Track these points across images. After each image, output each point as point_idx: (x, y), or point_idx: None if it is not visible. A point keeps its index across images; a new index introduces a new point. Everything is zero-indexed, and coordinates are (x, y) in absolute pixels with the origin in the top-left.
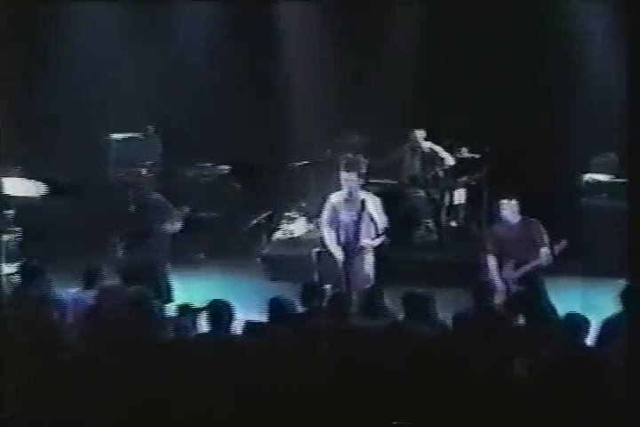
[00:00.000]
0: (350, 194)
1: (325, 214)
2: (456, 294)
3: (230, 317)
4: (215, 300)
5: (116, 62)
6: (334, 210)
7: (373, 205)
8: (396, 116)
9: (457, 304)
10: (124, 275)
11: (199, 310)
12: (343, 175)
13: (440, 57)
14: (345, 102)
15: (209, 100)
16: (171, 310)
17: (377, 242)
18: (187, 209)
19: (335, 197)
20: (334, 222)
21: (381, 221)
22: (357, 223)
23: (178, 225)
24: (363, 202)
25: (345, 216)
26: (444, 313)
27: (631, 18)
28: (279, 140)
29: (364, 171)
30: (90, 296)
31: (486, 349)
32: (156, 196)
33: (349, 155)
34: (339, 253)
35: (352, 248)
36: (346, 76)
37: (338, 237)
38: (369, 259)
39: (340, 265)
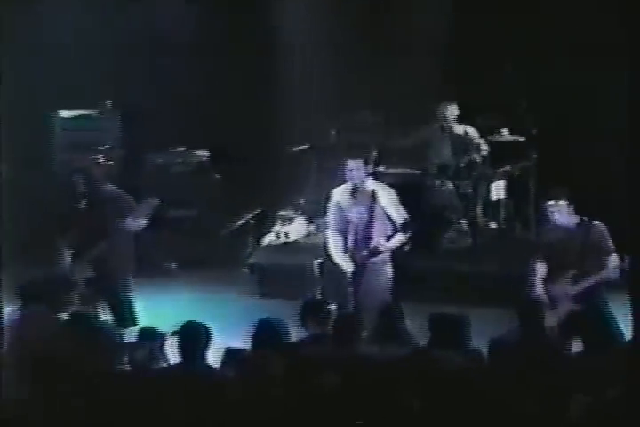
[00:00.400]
0: (356, 186)
1: (330, 214)
2: (495, 315)
3: (206, 343)
4: (188, 322)
5: (64, 24)
6: (339, 208)
7: (387, 198)
8: (419, 89)
9: (496, 327)
10: (70, 290)
11: (167, 334)
12: (348, 164)
13: (471, 15)
14: (353, 72)
15: (183, 70)
16: (131, 334)
17: (395, 243)
18: (156, 201)
19: (339, 192)
20: (340, 223)
21: (399, 216)
22: (369, 222)
23: (142, 222)
24: (373, 194)
25: (353, 214)
26: (480, 339)
27: None
28: (271, 120)
29: (375, 157)
30: (25, 317)
31: (532, 384)
32: (111, 187)
33: (357, 137)
34: (346, 264)
35: (363, 255)
36: (354, 42)
37: (345, 242)
38: (385, 269)
39: (349, 278)
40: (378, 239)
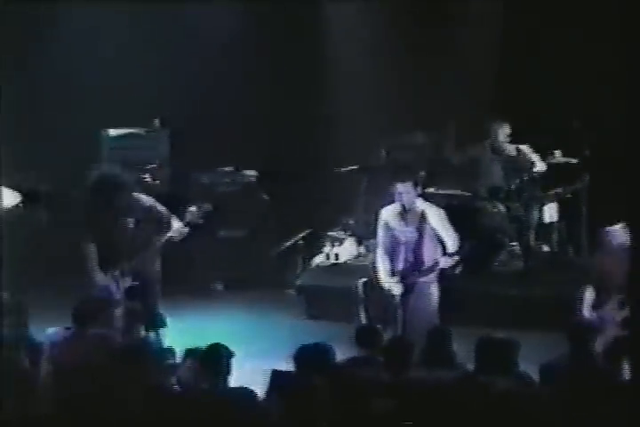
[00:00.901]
0: (405, 207)
1: (379, 234)
2: (545, 339)
3: (227, 367)
4: (214, 344)
5: (115, 43)
6: (388, 228)
7: (437, 218)
8: (471, 108)
9: (546, 352)
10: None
11: (192, 353)
12: (398, 187)
13: (525, 34)
14: (403, 92)
15: (233, 89)
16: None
17: (447, 262)
18: (207, 206)
19: (387, 212)
20: (389, 244)
21: (449, 236)
22: (419, 242)
23: (185, 229)
24: (423, 214)
25: (402, 234)
26: (529, 364)
27: None
28: (321, 140)
29: (423, 178)
30: (73, 337)
31: (584, 411)
32: (148, 199)
33: (407, 157)
34: (393, 287)
35: (413, 276)
36: (405, 61)
37: (393, 262)
38: (433, 291)
39: (397, 300)
40: (428, 260)
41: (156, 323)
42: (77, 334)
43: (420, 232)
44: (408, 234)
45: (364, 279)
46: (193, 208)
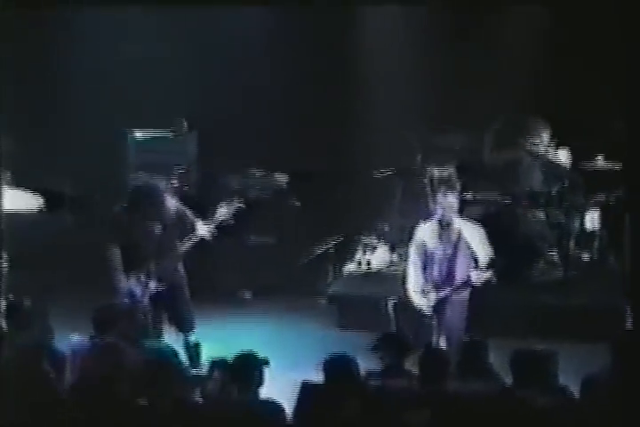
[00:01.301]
0: (443, 223)
1: (412, 251)
2: (586, 351)
3: (259, 377)
4: (245, 353)
5: (142, 43)
6: (423, 246)
7: (475, 236)
8: (511, 110)
9: (587, 365)
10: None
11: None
12: (439, 199)
13: (569, 34)
14: (441, 93)
15: (263, 90)
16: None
17: (485, 275)
18: (237, 203)
19: (425, 230)
20: (423, 260)
21: (484, 255)
22: (453, 257)
23: (212, 228)
24: (459, 232)
25: (437, 251)
26: (570, 377)
27: None
28: (354, 143)
29: (461, 186)
30: (95, 346)
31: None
32: (173, 202)
33: (446, 170)
34: (424, 302)
35: (446, 289)
36: (442, 60)
37: (426, 280)
38: (468, 302)
39: (429, 316)
40: (460, 275)
41: (185, 326)
42: (99, 343)
43: (456, 249)
44: (443, 251)
45: (394, 300)
46: (223, 206)
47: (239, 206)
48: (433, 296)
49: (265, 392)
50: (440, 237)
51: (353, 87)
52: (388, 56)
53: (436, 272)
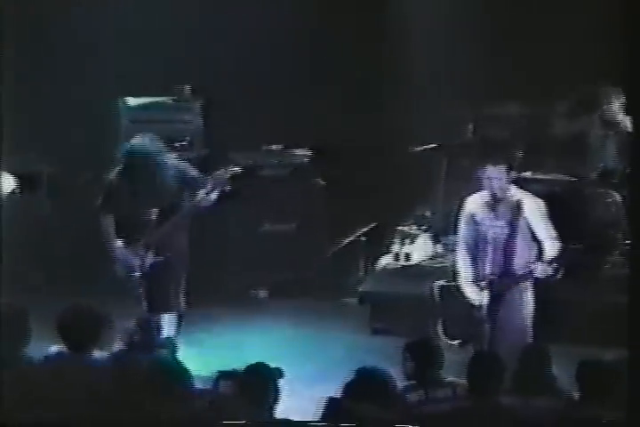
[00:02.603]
0: (496, 196)
1: (461, 229)
2: None
3: (273, 393)
4: (255, 364)
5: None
6: (474, 221)
7: (536, 212)
8: (576, 72)
9: None
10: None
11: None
12: (487, 170)
13: None
14: (495, 53)
15: (280, 49)
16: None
17: (552, 269)
18: (234, 167)
19: (474, 201)
20: (474, 242)
21: (548, 236)
22: (510, 240)
23: (212, 196)
24: (518, 205)
25: (490, 229)
26: None
27: None
28: (390, 111)
29: (521, 160)
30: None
31: None
32: (173, 160)
33: (498, 133)
34: (478, 296)
35: (502, 283)
36: (494, 16)
37: (478, 265)
38: (527, 301)
39: (482, 312)
40: (520, 263)
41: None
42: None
43: (513, 228)
44: (498, 230)
45: (442, 283)
46: (219, 171)
47: (234, 171)
48: (487, 290)
49: (282, 410)
50: (494, 209)
51: (388, 43)
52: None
53: (490, 257)
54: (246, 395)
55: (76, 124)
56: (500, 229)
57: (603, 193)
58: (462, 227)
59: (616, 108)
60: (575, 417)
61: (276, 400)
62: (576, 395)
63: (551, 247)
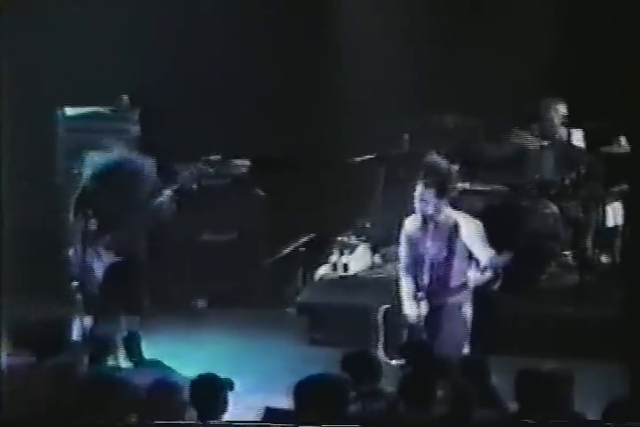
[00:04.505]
0: (429, 218)
1: (401, 249)
2: (608, 372)
3: (223, 403)
4: (204, 375)
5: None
6: (411, 242)
7: (473, 232)
8: (516, 85)
9: (610, 387)
10: None
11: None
12: (417, 190)
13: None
14: (432, 65)
15: (220, 60)
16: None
17: (485, 277)
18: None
19: (410, 223)
20: (412, 261)
21: (485, 256)
22: (447, 260)
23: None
24: (455, 227)
25: (428, 250)
26: (587, 402)
27: None
28: (329, 122)
29: (453, 182)
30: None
31: None
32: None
33: (432, 156)
34: (414, 311)
35: (439, 298)
36: (434, 27)
37: (417, 282)
38: (465, 314)
39: (419, 326)
40: (458, 279)
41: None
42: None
43: (450, 249)
44: (435, 250)
45: (387, 306)
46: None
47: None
48: (425, 304)
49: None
50: (426, 233)
51: (328, 55)
52: (372, 24)
53: (428, 276)
54: (196, 405)
55: (14, 134)
56: (437, 250)
57: (540, 204)
58: (402, 247)
59: (555, 119)
60: None
61: (224, 411)
62: (514, 406)
63: (486, 259)
